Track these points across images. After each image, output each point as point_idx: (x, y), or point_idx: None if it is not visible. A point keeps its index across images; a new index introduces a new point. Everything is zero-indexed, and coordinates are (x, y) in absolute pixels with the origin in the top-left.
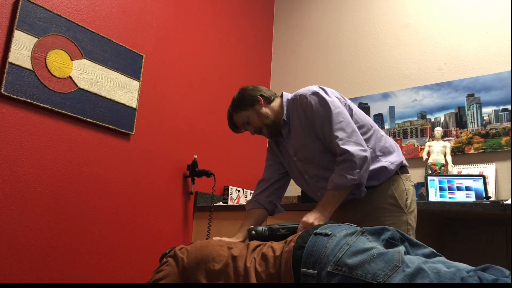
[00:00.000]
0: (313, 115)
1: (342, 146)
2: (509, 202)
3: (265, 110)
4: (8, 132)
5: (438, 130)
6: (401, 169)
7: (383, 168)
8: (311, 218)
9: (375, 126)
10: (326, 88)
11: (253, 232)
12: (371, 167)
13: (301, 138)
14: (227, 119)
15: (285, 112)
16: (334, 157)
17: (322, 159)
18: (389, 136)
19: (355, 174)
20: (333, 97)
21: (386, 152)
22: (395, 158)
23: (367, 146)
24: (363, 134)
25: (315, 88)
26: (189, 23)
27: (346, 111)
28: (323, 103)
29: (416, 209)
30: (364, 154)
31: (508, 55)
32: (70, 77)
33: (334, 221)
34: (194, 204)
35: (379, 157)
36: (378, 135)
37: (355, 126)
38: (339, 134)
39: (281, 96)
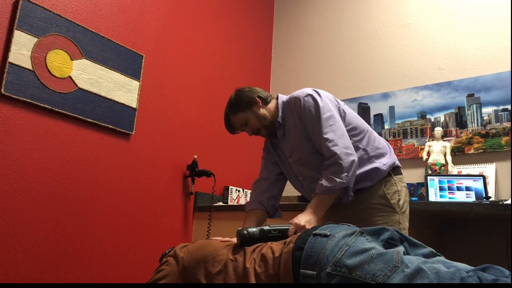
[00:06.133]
0: (305, 117)
1: (331, 148)
2: (509, 202)
3: (263, 111)
4: (8, 132)
5: (438, 130)
6: (394, 170)
7: (376, 169)
8: (302, 220)
9: (368, 128)
10: (319, 91)
11: (245, 232)
12: (365, 169)
13: (295, 140)
14: (223, 120)
15: (280, 114)
16: (320, 157)
17: (315, 160)
18: (389, 136)
19: (343, 178)
20: (325, 100)
21: (379, 154)
22: (388, 159)
23: (360, 147)
24: (355, 136)
25: (308, 90)
26: (189, 23)
27: (337, 115)
28: (315, 106)
29: (409, 210)
30: (351, 158)
31: (508, 55)
32: (70, 77)
33: (332, 222)
34: (194, 204)
35: (372, 158)
36: (371, 136)
37: (345, 131)
38: (329, 136)
39: (277, 98)
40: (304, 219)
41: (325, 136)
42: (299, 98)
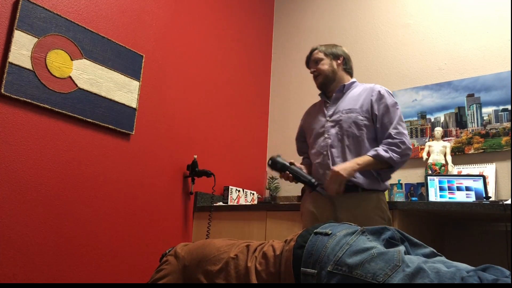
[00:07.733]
0: (381, 102)
1: (400, 135)
2: (509, 202)
3: (337, 68)
4: (8, 132)
5: (438, 130)
6: (384, 190)
7: (376, 181)
8: (340, 166)
9: None
10: None
11: (270, 161)
12: (371, 173)
13: (350, 106)
14: (310, 50)
15: (347, 84)
16: (360, 131)
17: (350, 127)
18: None
19: (395, 157)
20: None
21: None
22: (387, 182)
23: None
24: None
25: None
26: (189, 23)
27: None
28: (395, 103)
29: None
30: (409, 153)
31: (508, 55)
32: (70, 77)
33: (333, 220)
34: (194, 204)
35: (380, 174)
36: None
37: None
38: (401, 129)
39: (352, 77)
40: (343, 166)
41: (399, 127)
42: (381, 87)
